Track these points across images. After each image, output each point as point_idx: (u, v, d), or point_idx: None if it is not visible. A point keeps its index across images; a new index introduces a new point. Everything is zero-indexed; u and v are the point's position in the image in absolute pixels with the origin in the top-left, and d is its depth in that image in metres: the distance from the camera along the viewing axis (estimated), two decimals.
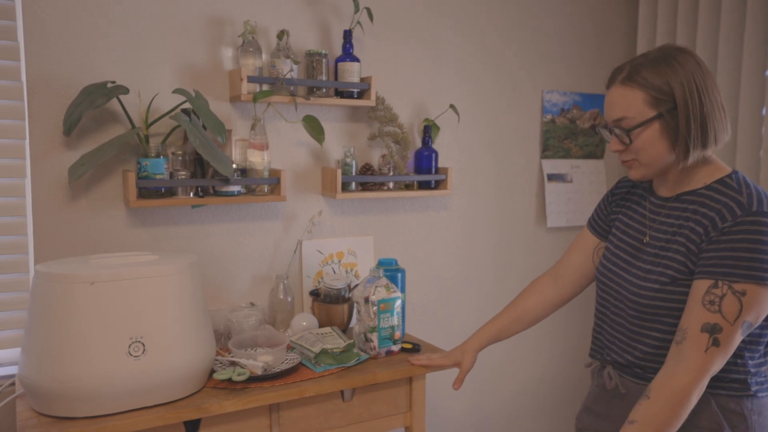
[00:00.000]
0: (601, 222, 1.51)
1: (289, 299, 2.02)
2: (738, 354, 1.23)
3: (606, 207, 1.50)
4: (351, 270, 2.22)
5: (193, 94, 1.77)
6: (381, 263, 2.04)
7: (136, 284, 1.43)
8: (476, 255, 2.50)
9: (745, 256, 1.14)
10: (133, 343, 1.41)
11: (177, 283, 1.49)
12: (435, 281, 2.42)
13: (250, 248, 2.04)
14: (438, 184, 2.28)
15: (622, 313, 1.33)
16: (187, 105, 1.86)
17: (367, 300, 1.82)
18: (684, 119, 1.19)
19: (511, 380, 2.66)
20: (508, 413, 2.67)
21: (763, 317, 1.18)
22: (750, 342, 1.23)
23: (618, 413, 1.35)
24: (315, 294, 2.08)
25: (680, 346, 1.19)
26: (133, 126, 1.76)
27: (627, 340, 1.32)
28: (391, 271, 2.01)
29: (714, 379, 1.22)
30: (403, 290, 2.03)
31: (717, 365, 1.17)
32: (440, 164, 2.36)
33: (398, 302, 1.85)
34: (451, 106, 2.25)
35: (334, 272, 2.19)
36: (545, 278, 1.62)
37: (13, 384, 1.71)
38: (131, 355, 1.41)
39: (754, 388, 1.24)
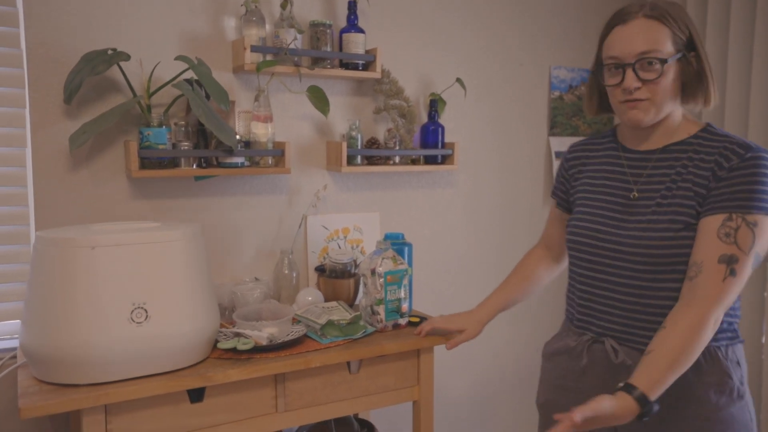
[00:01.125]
0: (562, 194, 1.51)
1: (294, 274, 1.99)
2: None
3: (564, 177, 1.50)
4: (357, 246, 2.19)
5: (196, 62, 1.74)
6: (387, 237, 2.00)
7: (138, 249, 1.40)
8: (483, 233, 2.47)
9: (756, 189, 1.18)
10: (135, 309, 1.38)
11: (180, 249, 1.46)
12: (442, 259, 2.38)
13: (254, 222, 2.01)
14: (444, 159, 2.24)
15: (620, 272, 1.30)
16: (189, 75, 1.83)
17: (373, 272, 1.78)
18: (705, 61, 1.24)
19: (514, 356, 2.63)
20: (511, 389, 2.64)
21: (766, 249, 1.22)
22: None
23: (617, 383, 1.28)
24: (320, 270, 2.05)
25: (696, 280, 1.20)
26: (135, 95, 1.73)
27: (634, 299, 1.28)
28: (397, 245, 1.97)
29: (715, 331, 1.22)
30: (410, 264, 2.00)
31: (732, 296, 1.19)
32: (446, 139, 2.33)
33: (405, 274, 1.81)
34: (458, 79, 2.22)
35: (340, 248, 2.15)
36: (539, 251, 1.62)
37: (14, 357, 1.68)
38: (133, 321, 1.38)
39: (739, 335, 1.30)
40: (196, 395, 1.48)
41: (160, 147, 1.74)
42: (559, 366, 1.43)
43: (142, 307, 1.39)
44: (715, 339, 1.25)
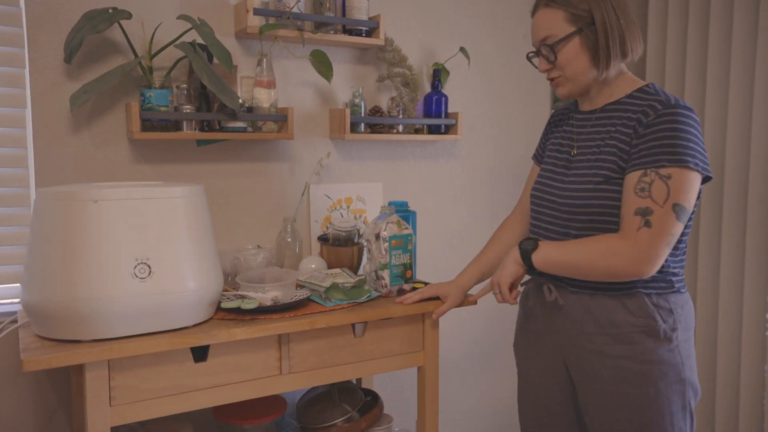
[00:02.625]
0: (541, 152, 1.61)
1: (297, 243, 1.97)
2: None
3: (544, 138, 1.62)
4: (360, 216, 2.17)
5: (198, 22, 1.71)
6: (391, 204, 1.98)
7: (141, 204, 1.38)
8: (486, 204, 2.45)
9: (668, 143, 1.25)
10: (138, 264, 1.36)
11: (183, 206, 1.44)
12: (444, 230, 2.37)
13: (256, 190, 1.99)
14: (448, 129, 2.23)
15: (557, 222, 1.43)
16: (191, 39, 1.81)
17: (378, 236, 1.77)
18: (602, 32, 1.32)
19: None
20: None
21: (694, 201, 1.29)
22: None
23: (559, 326, 1.45)
24: (323, 239, 2.02)
25: (619, 233, 1.31)
26: (136, 56, 1.70)
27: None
28: (402, 212, 1.95)
29: (646, 280, 1.33)
30: (414, 232, 1.98)
31: (656, 249, 1.25)
32: (450, 110, 2.31)
33: (410, 239, 1.80)
34: (462, 49, 2.20)
35: (343, 217, 2.14)
36: (513, 217, 1.70)
37: (14, 321, 1.66)
38: (137, 276, 1.36)
39: (677, 285, 1.37)
40: (200, 355, 1.46)
41: (162, 109, 1.72)
42: (523, 310, 1.60)
43: (145, 263, 1.37)
44: (644, 287, 1.34)
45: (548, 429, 1.53)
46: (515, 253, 1.40)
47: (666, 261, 1.34)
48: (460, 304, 1.72)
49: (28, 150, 1.68)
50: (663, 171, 1.25)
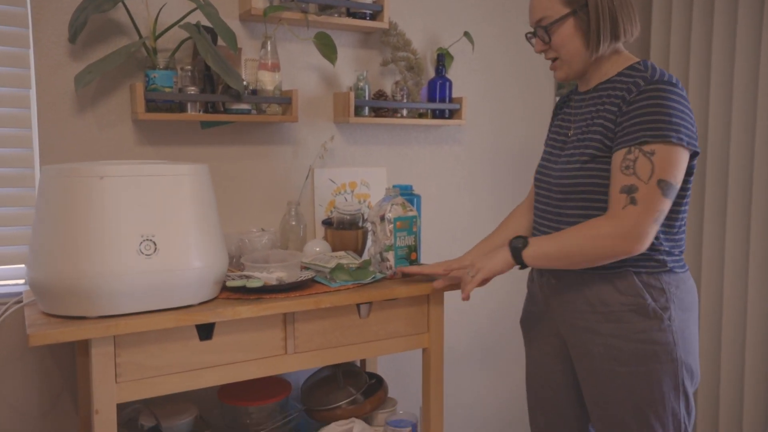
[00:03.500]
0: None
1: (302, 226, 1.97)
2: (655, 237, 1.33)
3: (551, 124, 1.62)
4: (364, 201, 2.17)
5: (203, 2, 1.71)
6: (396, 187, 1.98)
7: (147, 181, 1.37)
8: (490, 191, 2.45)
9: (650, 119, 1.25)
10: (144, 241, 1.36)
11: (188, 183, 1.43)
12: (448, 216, 2.36)
13: (260, 173, 1.99)
14: (452, 114, 2.22)
15: (552, 203, 1.45)
16: (195, 18, 1.80)
17: (383, 218, 1.76)
18: (594, 13, 1.33)
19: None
20: (516, 335, 2.62)
21: (681, 177, 1.28)
22: (664, 224, 1.35)
23: (555, 306, 1.47)
24: (327, 223, 2.02)
25: (607, 212, 1.32)
26: (141, 36, 1.70)
27: (554, 225, 1.44)
28: (406, 195, 1.95)
29: (635, 259, 1.34)
30: (419, 215, 1.98)
31: (642, 226, 1.26)
32: (454, 95, 2.30)
33: (415, 221, 1.79)
34: (466, 33, 2.19)
35: (347, 201, 2.13)
36: (524, 205, 1.69)
37: (19, 301, 1.66)
38: (142, 253, 1.36)
39: (670, 265, 1.36)
40: (205, 333, 1.46)
41: (167, 90, 1.72)
42: (528, 291, 1.63)
43: (151, 240, 1.37)
44: (635, 266, 1.34)
45: (550, 407, 1.56)
46: (506, 253, 1.40)
47: (658, 240, 1.35)
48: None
49: (32, 130, 1.68)
50: (646, 147, 1.25)
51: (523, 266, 1.40)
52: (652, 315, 1.33)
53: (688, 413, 1.39)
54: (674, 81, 1.29)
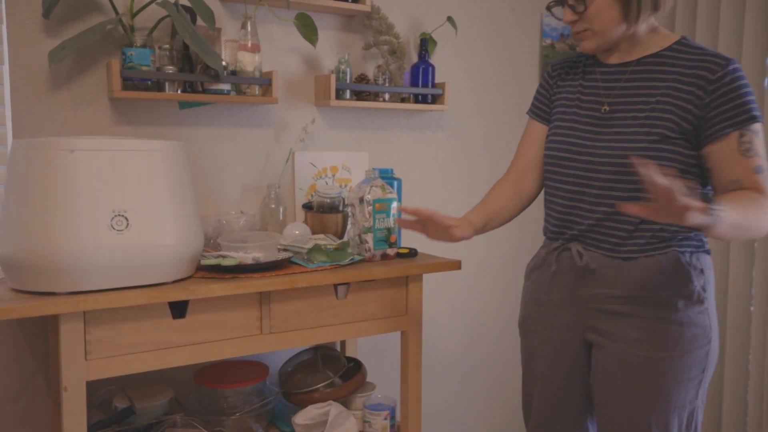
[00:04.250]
0: (545, 107, 1.49)
1: (281, 209, 1.95)
2: None
3: (547, 91, 1.49)
4: (345, 186, 2.15)
5: None
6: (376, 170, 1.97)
7: (119, 155, 1.35)
8: (473, 177, 2.44)
9: (746, 100, 1.23)
10: (115, 216, 1.34)
11: (163, 159, 1.42)
12: (431, 202, 2.35)
13: (240, 156, 1.97)
14: (435, 99, 2.21)
15: (593, 184, 1.33)
16: None
17: (362, 200, 1.75)
18: None
19: (507, 296, 2.61)
20: (503, 325, 2.62)
21: None
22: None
23: (583, 293, 1.35)
24: (308, 207, 2.01)
25: (750, 191, 1.23)
26: (117, 13, 1.68)
27: (604, 209, 1.31)
28: (387, 179, 1.94)
29: (681, 238, 1.30)
30: (399, 200, 1.97)
31: None
32: (437, 80, 2.29)
33: (394, 204, 1.78)
34: (449, 18, 2.18)
35: (328, 185, 2.12)
36: (504, 183, 1.52)
37: None
38: (114, 228, 1.34)
39: (706, 246, 1.35)
40: (179, 311, 1.45)
41: (144, 68, 1.70)
42: (534, 282, 1.47)
43: (122, 215, 1.35)
44: (679, 245, 1.30)
45: (554, 404, 1.44)
46: (701, 208, 1.08)
47: None
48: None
49: (5, 107, 1.65)
50: (754, 127, 1.23)
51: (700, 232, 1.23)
52: (696, 298, 1.29)
53: (703, 401, 1.35)
54: None
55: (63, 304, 1.28)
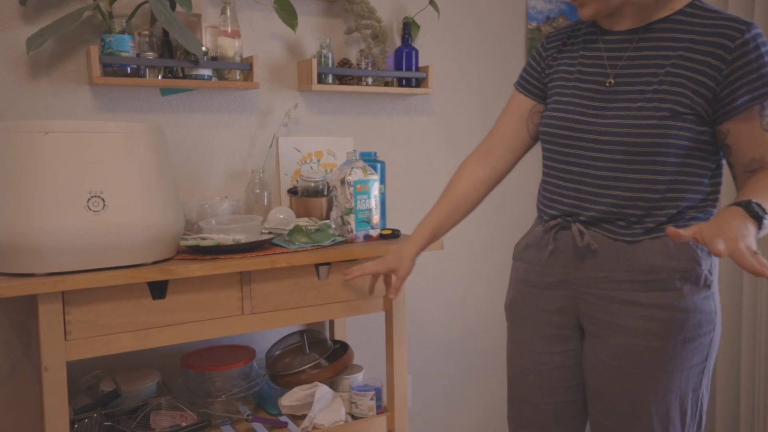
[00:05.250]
0: (535, 81, 1.38)
1: (266, 193, 1.96)
2: (702, 191, 1.22)
3: (539, 64, 1.38)
4: (330, 171, 2.16)
5: None
6: (360, 155, 1.98)
7: (94, 137, 1.37)
8: (461, 160, 2.44)
9: (766, 71, 1.12)
10: (92, 197, 1.35)
11: (139, 141, 1.43)
12: (418, 187, 2.35)
13: (223, 142, 1.98)
14: (419, 83, 2.22)
15: (598, 164, 1.22)
16: None
17: (343, 181, 1.76)
18: None
19: (487, 275, 2.61)
20: (484, 307, 2.62)
21: None
22: (714, 178, 1.24)
23: (580, 274, 1.26)
24: (293, 192, 2.01)
25: (762, 170, 1.15)
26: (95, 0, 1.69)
27: (603, 190, 1.23)
28: (370, 161, 1.95)
29: (690, 217, 1.22)
30: (382, 182, 1.97)
31: None
32: (421, 64, 2.29)
33: (375, 185, 1.79)
34: (431, 1, 2.18)
35: (313, 170, 2.12)
36: (475, 157, 1.46)
37: None
38: (90, 209, 1.35)
39: None
40: (158, 292, 1.46)
41: (123, 54, 1.70)
42: (526, 261, 1.37)
43: (99, 196, 1.36)
44: (687, 225, 1.21)
45: (538, 396, 1.36)
46: (748, 221, 1.01)
47: (705, 193, 1.23)
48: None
49: None
50: None
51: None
52: (702, 282, 1.21)
53: (707, 388, 1.27)
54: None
55: (41, 285, 1.30)
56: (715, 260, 1.25)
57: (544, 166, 1.36)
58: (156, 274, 1.41)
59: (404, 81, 2.20)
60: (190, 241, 1.52)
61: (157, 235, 1.44)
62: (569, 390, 1.34)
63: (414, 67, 2.18)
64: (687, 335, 1.20)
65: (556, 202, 1.31)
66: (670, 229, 0.99)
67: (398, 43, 2.25)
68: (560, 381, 1.33)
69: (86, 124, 1.36)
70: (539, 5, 2.57)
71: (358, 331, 2.25)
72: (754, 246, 0.96)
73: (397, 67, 2.18)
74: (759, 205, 1.03)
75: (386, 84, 2.19)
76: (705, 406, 1.27)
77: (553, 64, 1.35)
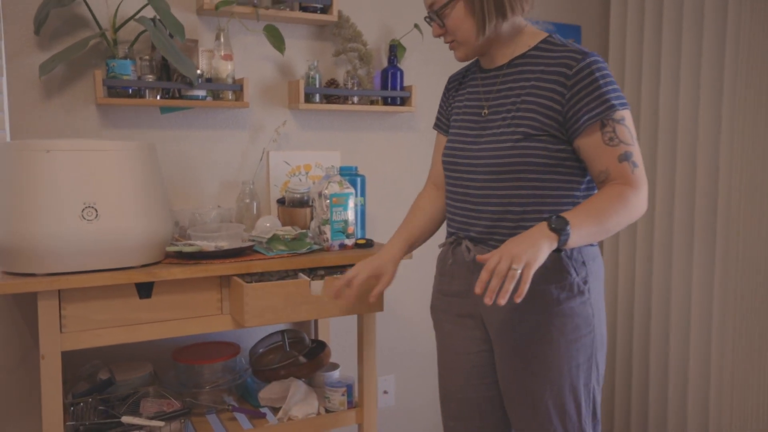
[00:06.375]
0: (445, 119, 1.60)
1: (255, 203, 2.14)
2: (576, 203, 1.38)
3: (445, 104, 1.60)
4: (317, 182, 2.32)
5: None
6: (342, 169, 2.14)
7: (90, 155, 1.56)
8: None
9: (606, 90, 1.30)
10: (86, 208, 1.54)
11: (130, 157, 1.61)
12: (403, 200, 2.50)
13: (218, 155, 2.16)
14: (404, 102, 2.37)
15: (475, 184, 1.42)
16: (153, 12, 1.98)
17: (320, 194, 1.92)
18: None
19: None
20: None
21: None
22: (585, 190, 1.40)
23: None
24: (281, 202, 2.19)
25: (607, 181, 1.32)
26: (101, 28, 1.89)
27: (480, 207, 1.41)
28: (350, 176, 2.11)
29: None
30: (362, 195, 2.13)
31: (646, 183, 1.33)
32: (406, 84, 2.44)
33: (351, 198, 1.94)
34: (416, 25, 2.33)
35: (301, 181, 2.29)
36: (428, 190, 1.65)
37: None
38: (84, 218, 1.54)
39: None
40: (145, 292, 1.64)
41: (125, 77, 1.90)
42: (438, 272, 1.56)
43: (92, 207, 1.55)
44: None
45: (462, 392, 1.52)
46: (550, 237, 1.21)
47: (578, 204, 1.37)
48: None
49: (4, 113, 1.88)
50: (616, 115, 1.30)
51: (558, 250, 1.27)
52: (576, 290, 1.37)
53: (598, 382, 1.43)
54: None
55: (40, 283, 1.49)
56: (592, 269, 1.40)
57: (446, 190, 1.55)
58: (142, 276, 1.59)
59: (389, 99, 2.35)
60: (176, 247, 1.70)
61: (144, 242, 1.62)
62: (489, 387, 1.51)
63: (399, 87, 2.34)
64: (569, 337, 1.37)
65: (451, 221, 1.52)
66: (478, 257, 1.22)
67: (386, 63, 2.40)
68: (479, 378, 1.50)
69: (83, 143, 1.55)
70: None
71: (341, 332, 2.41)
72: (518, 262, 1.16)
73: (384, 86, 2.34)
74: (560, 219, 1.22)
75: (372, 102, 2.35)
76: (598, 399, 1.44)
77: (452, 102, 1.57)
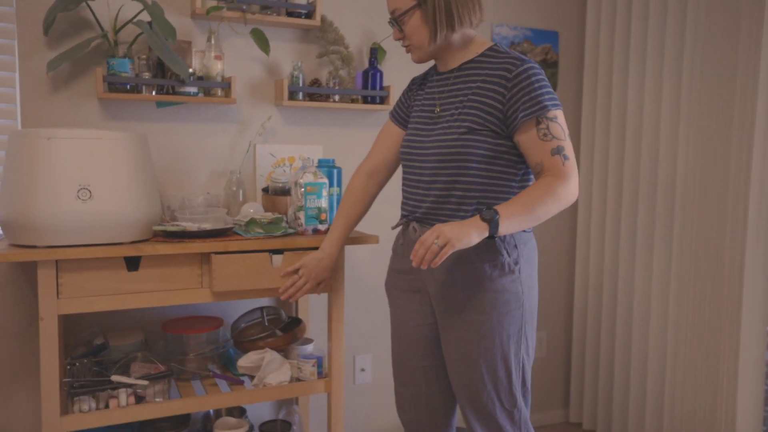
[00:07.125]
0: (402, 113, 1.80)
1: (241, 191, 2.34)
2: (511, 191, 1.57)
3: (406, 98, 1.79)
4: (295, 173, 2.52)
5: (150, 3, 2.10)
6: (321, 161, 2.34)
7: (86, 143, 1.77)
8: None
9: (540, 92, 1.49)
10: (81, 189, 1.76)
11: (122, 147, 1.83)
12: (383, 193, 2.69)
13: (208, 147, 2.37)
14: (383, 100, 2.56)
15: (425, 171, 1.61)
16: (147, 16, 2.20)
17: (296, 183, 2.12)
18: (431, 6, 1.53)
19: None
20: None
21: None
22: (522, 185, 1.58)
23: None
24: (265, 190, 2.39)
25: (542, 175, 1.51)
26: (103, 30, 2.11)
27: (428, 191, 1.60)
28: (327, 167, 2.30)
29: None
30: (338, 185, 2.33)
31: (577, 174, 1.51)
32: (386, 84, 2.63)
33: (324, 187, 2.14)
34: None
35: (285, 172, 2.49)
36: (362, 177, 1.86)
37: None
38: (80, 198, 1.76)
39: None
40: (133, 265, 1.85)
41: (123, 75, 2.12)
42: (393, 251, 1.78)
43: (86, 188, 1.76)
44: None
45: (411, 360, 1.72)
46: (480, 225, 1.41)
47: (513, 195, 1.57)
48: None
49: (16, 106, 2.11)
50: (549, 114, 1.48)
51: (492, 237, 1.44)
52: (507, 269, 1.56)
53: (528, 354, 1.62)
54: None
55: (40, 254, 1.71)
56: (523, 252, 1.57)
57: (402, 177, 1.75)
58: (130, 251, 1.81)
59: (369, 98, 2.54)
60: (162, 227, 1.91)
61: (132, 221, 1.84)
62: (434, 356, 1.70)
63: (378, 87, 2.53)
64: (500, 310, 1.54)
65: (405, 204, 1.72)
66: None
67: (367, 65, 2.59)
68: (425, 348, 1.69)
69: (80, 132, 1.77)
70: (504, 31, 2.86)
71: (318, 311, 2.61)
72: (441, 240, 1.37)
73: (364, 86, 2.53)
74: (490, 210, 1.43)
75: (353, 101, 2.54)
76: (528, 368, 1.62)
77: (413, 101, 1.76)
